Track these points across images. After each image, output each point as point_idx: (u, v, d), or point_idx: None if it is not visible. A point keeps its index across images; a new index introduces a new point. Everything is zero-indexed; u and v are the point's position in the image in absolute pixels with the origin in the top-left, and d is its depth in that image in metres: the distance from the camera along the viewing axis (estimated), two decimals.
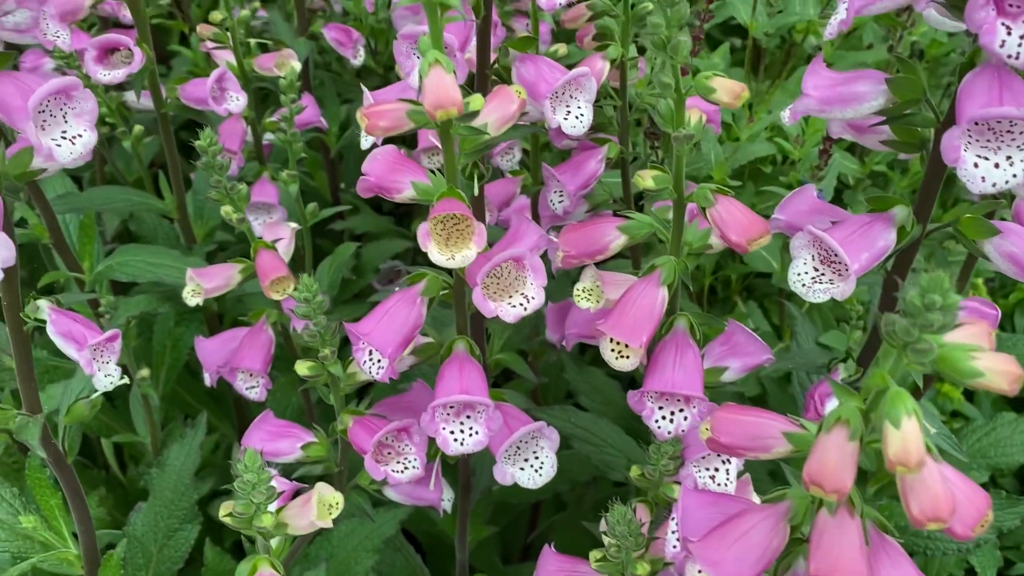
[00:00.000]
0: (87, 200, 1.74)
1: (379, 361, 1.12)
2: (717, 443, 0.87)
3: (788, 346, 1.85)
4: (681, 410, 1.11)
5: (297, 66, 1.79)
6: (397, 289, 1.14)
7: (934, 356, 0.70)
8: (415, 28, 1.07)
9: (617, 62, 1.33)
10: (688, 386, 1.08)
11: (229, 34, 1.75)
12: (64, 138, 1.04)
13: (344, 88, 2.36)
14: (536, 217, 1.54)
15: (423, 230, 0.96)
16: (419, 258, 2.38)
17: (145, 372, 1.70)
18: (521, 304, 1.03)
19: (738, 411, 0.88)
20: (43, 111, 1.03)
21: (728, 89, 0.92)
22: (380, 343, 1.10)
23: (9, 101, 1.00)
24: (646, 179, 1.01)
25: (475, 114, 1.02)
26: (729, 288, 2.04)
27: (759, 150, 1.76)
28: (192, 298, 1.43)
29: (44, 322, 1.18)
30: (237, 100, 1.65)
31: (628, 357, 1.07)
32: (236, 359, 1.47)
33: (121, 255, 1.71)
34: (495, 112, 1.03)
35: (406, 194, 1.11)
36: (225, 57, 1.82)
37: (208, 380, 1.56)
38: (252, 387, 1.49)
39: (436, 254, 0.96)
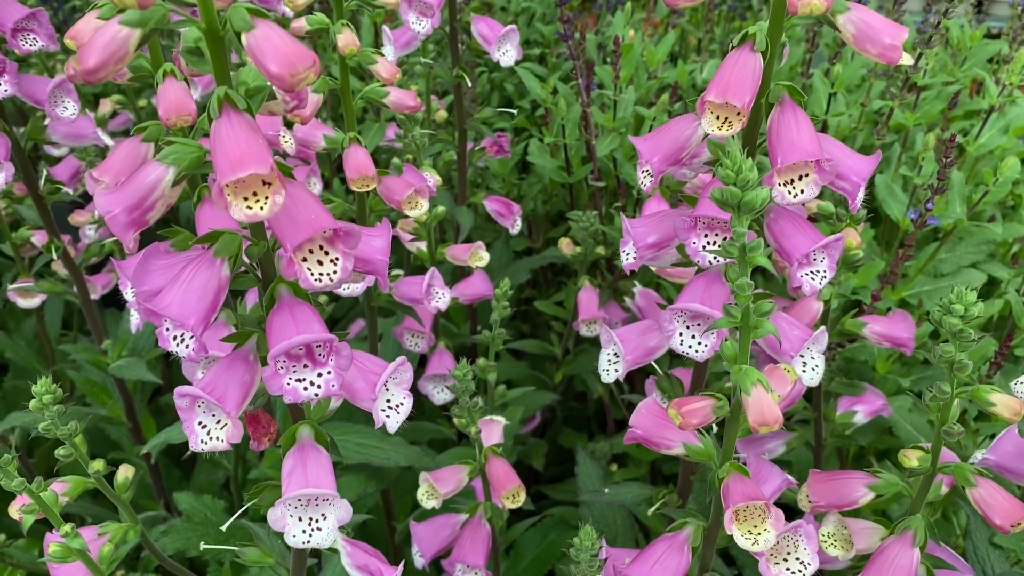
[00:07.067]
0: None
1: None
2: None
3: None
4: None
5: (487, 257, 1.94)
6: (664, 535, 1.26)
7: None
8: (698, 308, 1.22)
9: (828, 303, 1.47)
10: None
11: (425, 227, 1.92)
12: (390, 407, 1.18)
13: None
14: None
15: (728, 519, 1.09)
16: (562, 405, 2.51)
17: None
18: (799, 570, 1.15)
19: None
20: None
21: (1007, 405, 1.05)
22: None
23: (352, 383, 1.14)
24: (912, 459, 1.14)
25: None
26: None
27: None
28: (428, 500, 1.55)
29: (336, 552, 1.31)
30: (444, 296, 1.79)
31: None
32: (459, 554, 1.59)
33: None
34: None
35: (675, 451, 1.25)
36: (418, 245, 1.97)
37: (422, 563, 1.68)
38: None
39: (741, 539, 1.08)
